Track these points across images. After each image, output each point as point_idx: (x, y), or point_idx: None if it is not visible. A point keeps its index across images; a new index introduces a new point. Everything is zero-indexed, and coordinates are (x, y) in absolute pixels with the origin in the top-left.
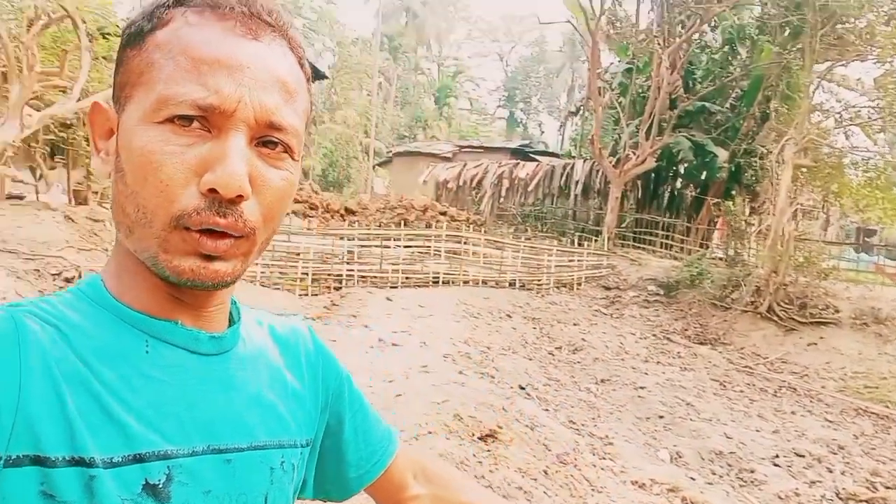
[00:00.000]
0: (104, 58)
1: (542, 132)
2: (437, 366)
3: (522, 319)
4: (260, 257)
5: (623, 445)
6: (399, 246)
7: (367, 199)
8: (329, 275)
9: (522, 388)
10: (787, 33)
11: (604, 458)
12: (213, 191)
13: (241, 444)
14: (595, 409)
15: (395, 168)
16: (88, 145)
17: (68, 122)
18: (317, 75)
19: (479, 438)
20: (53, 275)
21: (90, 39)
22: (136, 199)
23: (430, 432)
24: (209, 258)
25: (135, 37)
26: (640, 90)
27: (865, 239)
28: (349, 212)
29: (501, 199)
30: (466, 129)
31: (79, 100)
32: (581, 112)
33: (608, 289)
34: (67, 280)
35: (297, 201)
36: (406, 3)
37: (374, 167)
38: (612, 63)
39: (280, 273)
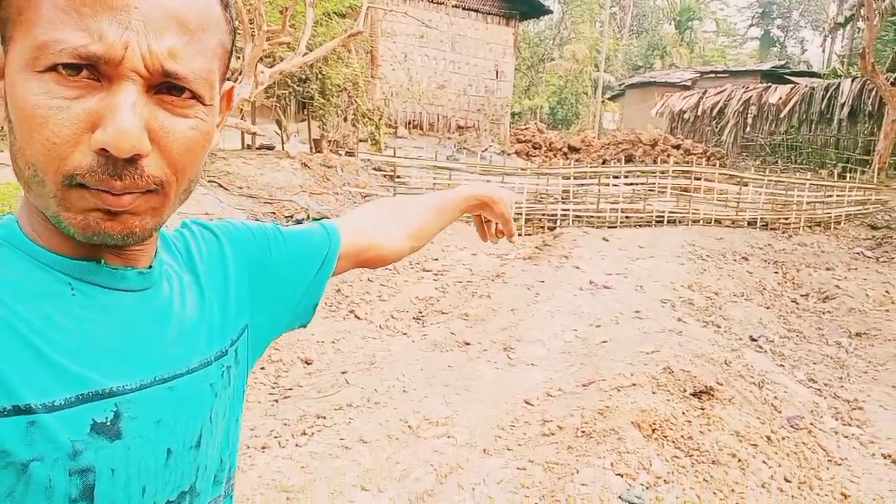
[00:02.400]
0: (335, 13)
1: (804, 51)
2: (653, 312)
3: (762, 262)
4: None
5: (877, 411)
6: (619, 184)
7: (593, 136)
8: (543, 215)
9: (754, 340)
10: None
11: (848, 425)
12: (105, 150)
13: (181, 369)
14: (844, 368)
15: (626, 101)
16: (323, 99)
17: (304, 77)
18: (542, 11)
19: (692, 395)
20: (286, 217)
21: None
22: (25, 155)
23: (633, 384)
24: (115, 213)
25: None
26: None
27: None
28: (572, 149)
29: (748, 129)
30: (711, 53)
31: (304, 54)
32: (851, 22)
33: (875, 228)
34: (298, 222)
35: (519, 141)
36: None
37: (602, 101)
38: None
39: None
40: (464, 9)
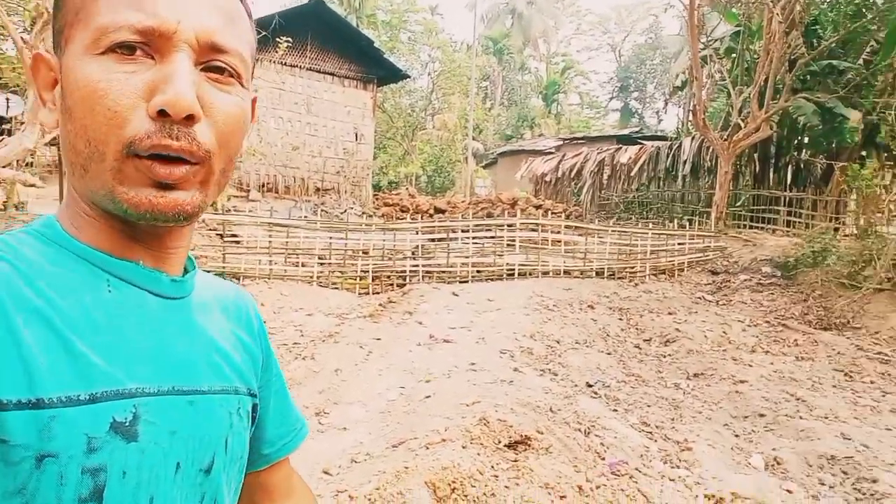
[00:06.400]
0: None
1: (661, 120)
2: (490, 363)
3: (607, 310)
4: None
5: (705, 451)
6: (469, 239)
7: (461, 199)
8: (392, 272)
9: (590, 386)
10: None
11: (676, 468)
12: (162, 113)
13: (203, 387)
14: (678, 409)
15: (499, 169)
16: None
17: None
18: (400, 76)
19: (507, 446)
20: None
21: None
22: (86, 132)
23: (443, 440)
24: (166, 187)
25: None
26: (755, 55)
27: None
28: (438, 211)
29: (603, 189)
30: (577, 124)
31: None
32: (687, 86)
33: (715, 273)
34: None
35: (386, 204)
36: (511, 5)
37: (476, 169)
38: (714, 27)
39: (339, 272)
40: (319, 72)
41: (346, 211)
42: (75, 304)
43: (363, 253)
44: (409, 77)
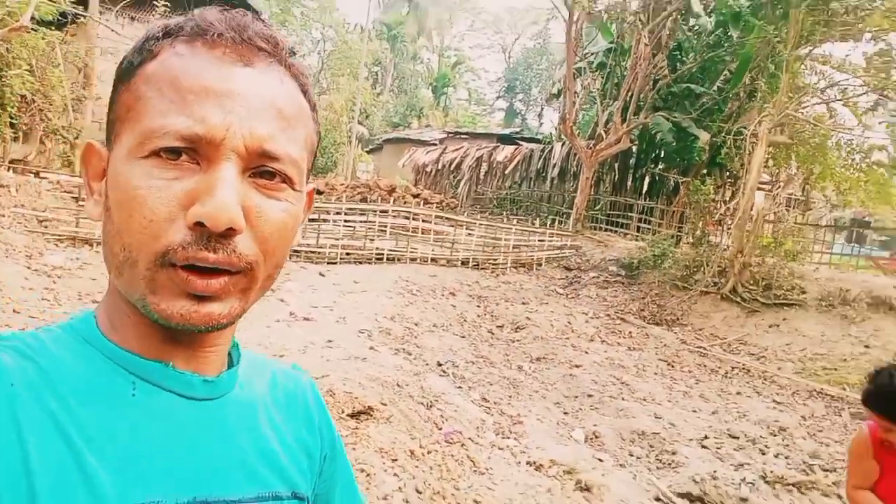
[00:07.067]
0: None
1: (542, 123)
2: (347, 341)
3: (467, 298)
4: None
5: (534, 425)
6: (341, 221)
7: (341, 182)
8: None
9: (440, 365)
10: (778, 12)
11: (507, 438)
12: (200, 224)
13: (233, 496)
14: (517, 388)
15: (383, 155)
16: None
17: None
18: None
19: (350, 416)
20: None
21: None
22: (122, 237)
23: None
24: (201, 299)
25: (126, 72)
26: (624, 71)
27: (859, 230)
28: (316, 192)
29: (479, 184)
30: (463, 119)
31: None
32: (562, 94)
33: (569, 269)
34: None
35: None
36: None
37: (360, 153)
38: (590, 41)
39: None
40: None
41: None
42: (95, 413)
43: None
44: (296, 53)
